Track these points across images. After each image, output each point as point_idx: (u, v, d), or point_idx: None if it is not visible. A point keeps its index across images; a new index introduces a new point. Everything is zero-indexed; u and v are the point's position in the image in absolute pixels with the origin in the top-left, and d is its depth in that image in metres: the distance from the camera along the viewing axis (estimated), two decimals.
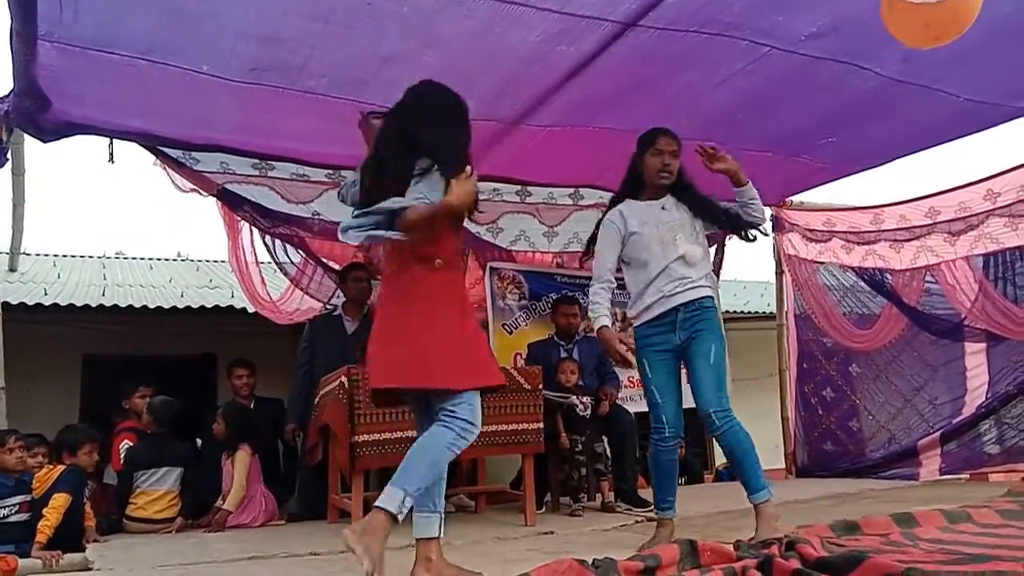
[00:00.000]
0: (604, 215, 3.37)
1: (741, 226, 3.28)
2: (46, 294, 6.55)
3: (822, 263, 6.33)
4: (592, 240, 3.41)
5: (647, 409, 3.25)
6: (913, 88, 4.13)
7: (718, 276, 6.48)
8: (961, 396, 5.60)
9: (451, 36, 3.47)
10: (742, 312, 8.39)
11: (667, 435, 3.13)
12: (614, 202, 3.37)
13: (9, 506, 3.73)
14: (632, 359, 3.15)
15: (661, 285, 3.15)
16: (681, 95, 4.16)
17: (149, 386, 5.14)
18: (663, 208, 3.24)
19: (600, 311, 3.21)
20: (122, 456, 4.72)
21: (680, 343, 3.14)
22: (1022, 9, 3.51)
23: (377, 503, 2.39)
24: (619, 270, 3.37)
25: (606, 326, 3.16)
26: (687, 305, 3.13)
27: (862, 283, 6.19)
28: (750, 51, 3.73)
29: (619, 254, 3.27)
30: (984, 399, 5.41)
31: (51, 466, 3.92)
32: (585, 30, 3.48)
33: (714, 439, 3.18)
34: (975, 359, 5.58)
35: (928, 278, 5.79)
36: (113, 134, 4.26)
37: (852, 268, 6.20)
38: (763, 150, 4.94)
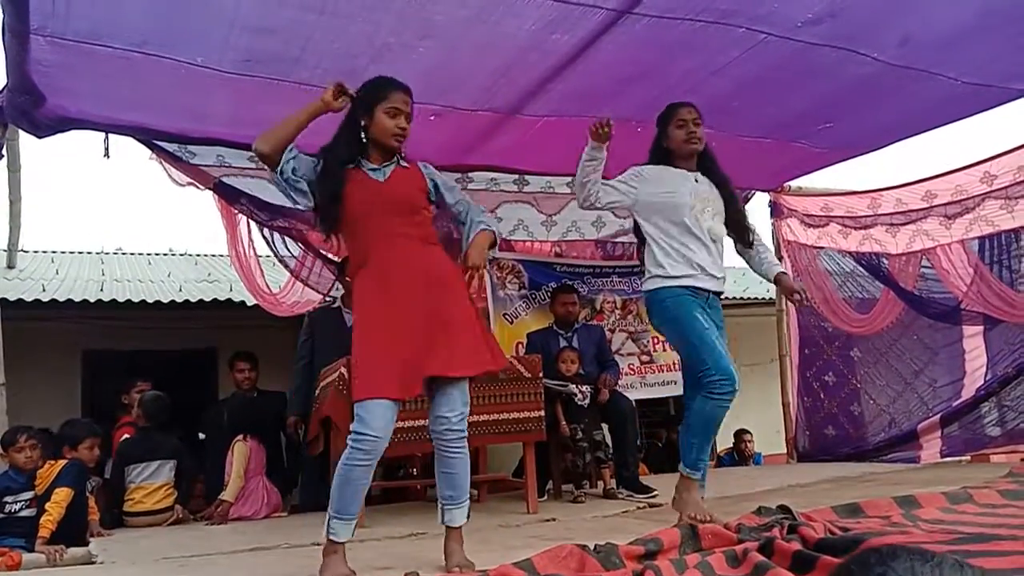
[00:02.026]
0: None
1: (741, 229, 3.32)
2: (44, 290, 6.54)
3: (821, 248, 6.33)
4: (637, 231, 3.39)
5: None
6: (911, 72, 4.12)
7: None
8: (960, 379, 5.61)
9: (445, 26, 3.45)
10: (742, 298, 8.40)
11: (734, 388, 3.02)
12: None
13: (21, 501, 3.76)
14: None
15: (699, 255, 3.14)
16: (679, 83, 4.14)
17: (147, 381, 5.17)
18: (696, 180, 3.25)
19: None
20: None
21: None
22: None
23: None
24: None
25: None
26: (714, 295, 3.20)
27: (860, 268, 6.20)
28: (747, 38, 3.72)
29: (625, 194, 3.24)
30: (983, 381, 5.42)
31: (52, 461, 3.94)
32: (580, 18, 3.46)
33: (710, 398, 3.09)
34: (973, 342, 5.60)
35: (924, 263, 5.80)
36: (108, 129, 4.24)
37: (849, 253, 6.20)
38: (761, 136, 4.93)
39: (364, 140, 2.62)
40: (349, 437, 2.43)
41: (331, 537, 2.47)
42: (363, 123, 2.60)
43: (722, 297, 3.28)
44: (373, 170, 2.62)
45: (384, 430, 2.43)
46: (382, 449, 2.45)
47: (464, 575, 2.44)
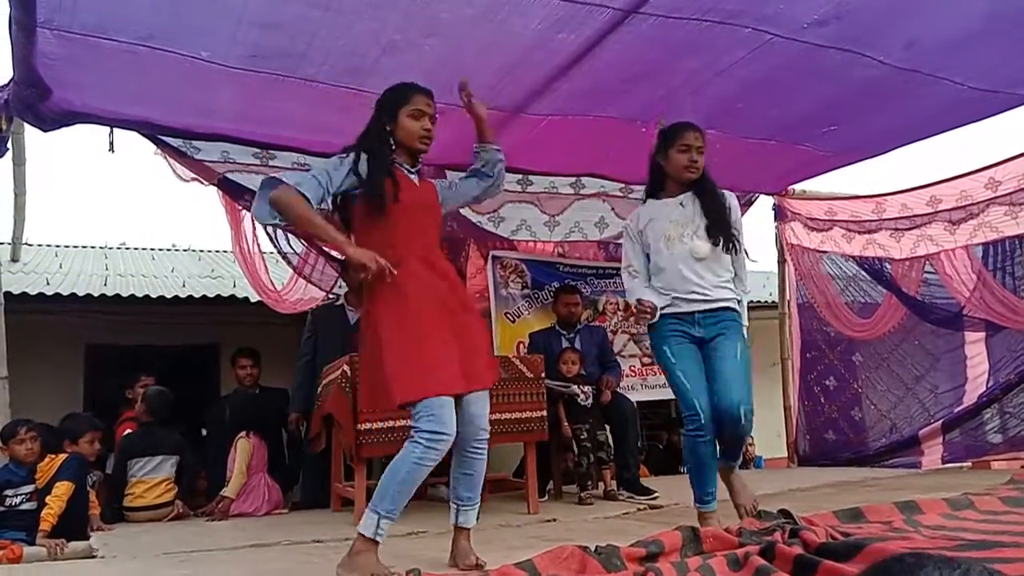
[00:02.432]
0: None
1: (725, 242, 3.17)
2: (48, 284, 6.55)
3: (824, 252, 6.32)
4: None
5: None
6: (917, 76, 4.11)
7: None
8: (962, 385, 5.60)
9: (451, 24, 3.45)
10: None
11: (703, 423, 2.97)
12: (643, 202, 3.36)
13: (21, 495, 3.77)
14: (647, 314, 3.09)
15: (673, 284, 3.08)
16: (684, 84, 4.14)
17: (150, 376, 5.17)
18: (680, 204, 3.16)
19: (632, 294, 3.18)
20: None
21: (700, 336, 3.06)
22: None
23: (359, 527, 2.45)
24: None
25: (640, 299, 3.12)
26: (705, 312, 3.08)
27: (863, 272, 6.19)
28: (752, 39, 3.71)
29: (643, 254, 3.23)
30: (985, 388, 5.41)
31: (53, 455, 3.94)
32: (587, 17, 3.45)
33: (684, 433, 3.10)
34: (975, 348, 5.59)
35: (927, 268, 5.78)
36: (114, 123, 4.24)
37: (853, 257, 6.20)
38: (766, 138, 4.93)
39: (393, 145, 2.63)
40: (422, 436, 2.37)
41: (377, 537, 2.42)
42: (388, 128, 2.61)
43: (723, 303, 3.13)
44: (409, 171, 2.65)
45: (455, 428, 2.44)
46: None
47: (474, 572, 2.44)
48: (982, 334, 5.54)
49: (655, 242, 3.15)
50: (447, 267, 2.71)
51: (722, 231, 3.11)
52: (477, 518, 2.67)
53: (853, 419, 6.19)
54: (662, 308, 3.09)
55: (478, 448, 2.60)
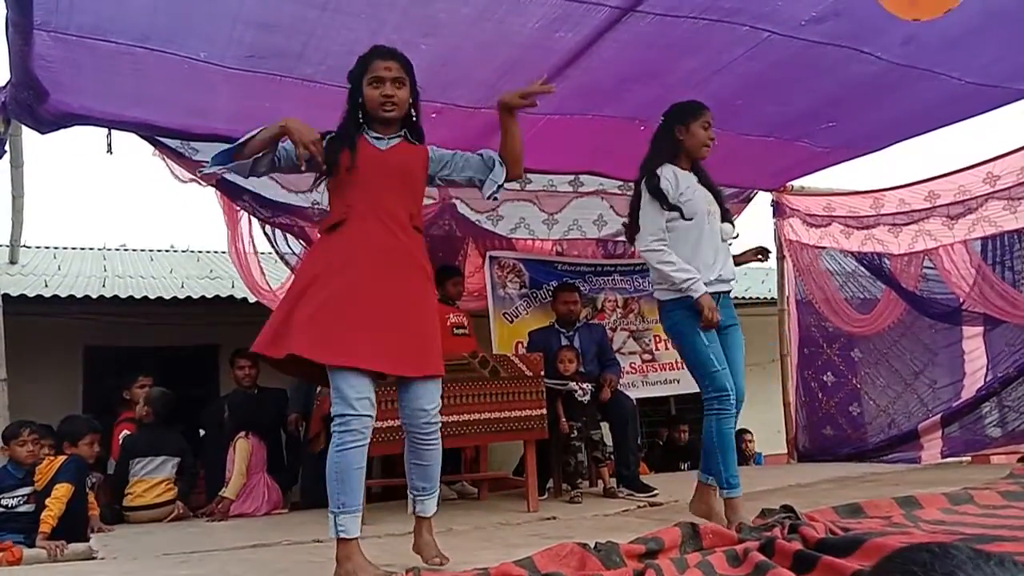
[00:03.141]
0: (648, 173, 3.15)
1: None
2: (46, 286, 6.55)
3: (823, 248, 6.33)
4: (633, 214, 3.25)
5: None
6: (914, 72, 4.11)
7: None
8: (960, 380, 5.61)
9: (449, 23, 3.45)
10: (744, 298, 8.39)
11: (732, 401, 3.04)
12: (654, 164, 3.17)
13: (18, 497, 3.76)
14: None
15: (709, 261, 3.11)
16: (682, 82, 4.13)
17: (149, 376, 5.17)
18: (697, 182, 3.21)
19: (690, 273, 3.01)
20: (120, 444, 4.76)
21: (720, 318, 3.10)
22: None
23: (329, 533, 2.41)
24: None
25: (707, 294, 3.02)
26: (725, 294, 3.20)
27: (862, 268, 6.19)
28: (750, 36, 3.71)
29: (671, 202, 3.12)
30: (983, 382, 5.41)
31: (52, 457, 3.94)
32: (584, 16, 3.45)
33: (709, 413, 3.14)
34: (973, 343, 5.59)
35: (926, 263, 5.79)
36: (111, 124, 4.23)
37: (851, 253, 6.20)
38: (764, 135, 4.93)
39: (362, 118, 2.62)
40: (334, 425, 2.35)
41: (342, 535, 2.35)
42: (360, 100, 2.61)
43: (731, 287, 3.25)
44: (376, 138, 2.61)
45: (371, 405, 2.38)
46: (372, 423, 2.39)
47: (442, 567, 2.43)
48: (980, 329, 5.54)
49: (698, 214, 3.10)
50: (405, 242, 2.55)
51: (731, 219, 3.24)
52: (438, 505, 2.63)
53: (852, 415, 6.19)
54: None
55: (429, 438, 2.51)
